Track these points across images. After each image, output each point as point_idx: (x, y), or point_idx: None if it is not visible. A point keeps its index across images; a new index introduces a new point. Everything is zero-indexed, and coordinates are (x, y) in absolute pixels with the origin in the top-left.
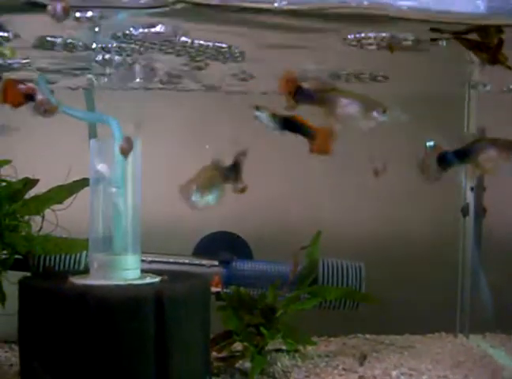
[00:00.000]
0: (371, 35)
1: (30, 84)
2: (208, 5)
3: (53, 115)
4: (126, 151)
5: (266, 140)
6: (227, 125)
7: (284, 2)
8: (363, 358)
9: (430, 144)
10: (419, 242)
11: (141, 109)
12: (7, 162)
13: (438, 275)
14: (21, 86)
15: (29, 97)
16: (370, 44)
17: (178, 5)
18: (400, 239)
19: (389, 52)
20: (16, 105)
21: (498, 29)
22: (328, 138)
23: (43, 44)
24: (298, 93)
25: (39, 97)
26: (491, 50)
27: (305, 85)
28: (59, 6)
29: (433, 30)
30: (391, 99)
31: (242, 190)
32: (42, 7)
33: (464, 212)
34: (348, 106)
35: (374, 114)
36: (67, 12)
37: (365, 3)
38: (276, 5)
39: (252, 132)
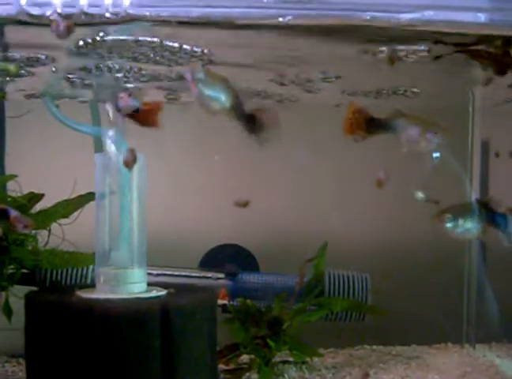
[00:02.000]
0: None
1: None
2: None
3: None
4: (129, 164)
5: (269, 152)
6: (232, 136)
7: (288, 17)
8: (365, 377)
9: (436, 155)
10: (424, 252)
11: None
12: (12, 177)
13: (444, 284)
14: None
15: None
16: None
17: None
18: (405, 249)
19: (390, 65)
20: None
21: (507, 42)
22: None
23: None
24: (369, 124)
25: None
26: (498, 59)
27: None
28: (62, 24)
29: (436, 43)
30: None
31: (245, 205)
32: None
33: None
34: (415, 133)
35: (430, 137)
36: (70, 30)
37: (367, 17)
38: (280, 19)
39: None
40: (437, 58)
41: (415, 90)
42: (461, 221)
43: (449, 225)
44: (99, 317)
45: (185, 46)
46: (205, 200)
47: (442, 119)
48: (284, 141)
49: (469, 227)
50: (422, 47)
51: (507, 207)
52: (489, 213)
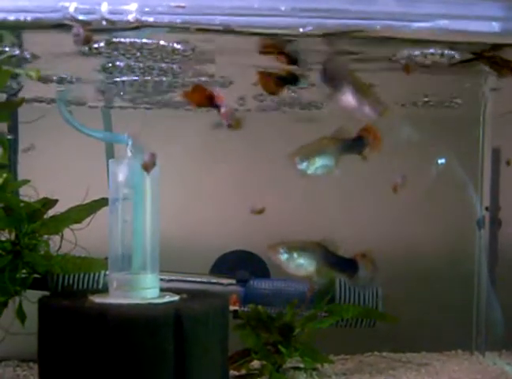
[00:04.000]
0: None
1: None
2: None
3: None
4: (148, 167)
5: (279, 157)
6: (241, 142)
7: (309, 28)
8: None
9: (441, 161)
10: (433, 258)
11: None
12: (25, 182)
13: (453, 291)
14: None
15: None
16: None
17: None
18: (414, 256)
19: (406, 74)
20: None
21: None
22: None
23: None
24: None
25: (223, 109)
26: None
27: None
28: (82, 34)
29: (452, 49)
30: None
31: (260, 211)
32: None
33: (480, 224)
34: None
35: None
36: (88, 40)
37: (378, 27)
38: (301, 30)
39: (263, 149)
40: (453, 65)
41: (459, 101)
42: (294, 256)
43: (282, 257)
44: (113, 322)
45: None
46: (216, 206)
47: (452, 127)
48: (294, 147)
49: (302, 263)
50: (439, 51)
51: (359, 252)
52: (330, 256)
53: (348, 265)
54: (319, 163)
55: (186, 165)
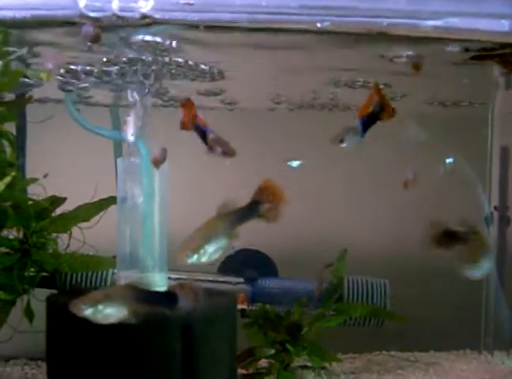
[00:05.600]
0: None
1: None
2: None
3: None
4: (158, 162)
5: (286, 157)
6: (247, 142)
7: (326, 23)
8: None
9: (449, 160)
10: (441, 256)
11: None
12: (34, 180)
13: (462, 291)
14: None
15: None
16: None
17: None
18: (422, 254)
19: (415, 71)
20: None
21: None
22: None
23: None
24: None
25: (211, 136)
26: None
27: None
28: (92, 30)
29: (467, 50)
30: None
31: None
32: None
33: (488, 221)
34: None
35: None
36: (98, 38)
37: (384, 24)
38: (318, 25)
39: (268, 149)
40: (461, 63)
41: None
42: (100, 307)
43: (86, 312)
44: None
45: None
46: None
47: (461, 125)
48: (302, 148)
49: (110, 312)
50: (448, 49)
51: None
52: (144, 295)
53: (166, 299)
54: (213, 248)
55: (192, 164)
